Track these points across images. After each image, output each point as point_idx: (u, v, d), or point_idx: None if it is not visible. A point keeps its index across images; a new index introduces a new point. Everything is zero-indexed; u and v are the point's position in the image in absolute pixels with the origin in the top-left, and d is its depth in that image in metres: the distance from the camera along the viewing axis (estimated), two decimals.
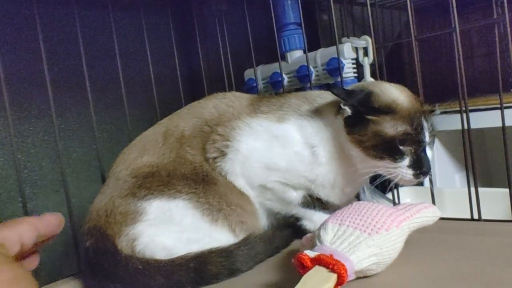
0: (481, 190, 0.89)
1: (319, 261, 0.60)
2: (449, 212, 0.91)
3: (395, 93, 0.80)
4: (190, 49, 1.33)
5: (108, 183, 0.84)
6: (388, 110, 0.77)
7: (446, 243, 0.78)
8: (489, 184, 1.64)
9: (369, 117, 0.77)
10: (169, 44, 1.18)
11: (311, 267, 0.60)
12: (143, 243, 0.75)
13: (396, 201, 1.03)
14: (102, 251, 0.75)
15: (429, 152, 0.79)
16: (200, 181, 0.82)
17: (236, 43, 1.23)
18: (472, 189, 0.90)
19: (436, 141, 1.54)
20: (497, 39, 0.91)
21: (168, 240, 0.76)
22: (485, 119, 1.31)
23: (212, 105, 0.90)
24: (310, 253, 0.61)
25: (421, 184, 1.50)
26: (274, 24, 1.13)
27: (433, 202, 0.91)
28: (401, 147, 0.76)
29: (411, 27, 0.92)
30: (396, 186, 1.01)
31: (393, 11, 1.78)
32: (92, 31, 1.12)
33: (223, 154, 0.84)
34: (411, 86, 0.85)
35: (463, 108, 0.89)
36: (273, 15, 1.12)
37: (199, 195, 0.80)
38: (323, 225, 0.68)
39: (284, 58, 1.27)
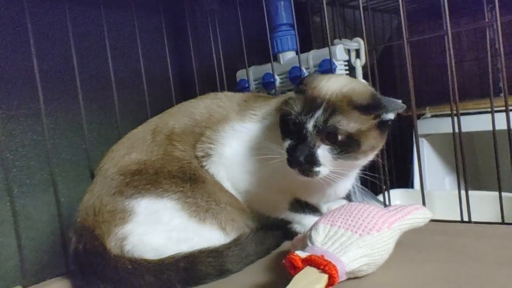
0: (470, 193, 0.90)
1: (310, 261, 0.59)
2: (438, 214, 0.91)
3: (322, 81, 0.75)
4: (182, 49, 1.32)
5: (96, 181, 0.83)
6: (300, 92, 0.75)
7: (437, 244, 0.78)
8: (478, 187, 1.65)
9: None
10: (161, 43, 1.18)
11: (302, 268, 0.59)
12: (132, 243, 0.75)
13: (387, 203, 1.03)
14: (91, 251, 0.74)
15: (322, 151, 0.70)
16: (187, 179, 0.81)
17: (228, 43, 1.23)
18: (463, 192, 0.90)
19: (426, 144, 1.57)
20: (488, 42, 0.91)
21: (157, 239, 0.76)
22: (474, 123, 1.32)
23: (204, 105, 0.90)
24: (301, 254, 0.61)
25: (411, 186, 1.51)
26: (267, 25, 1.13)
27: (424, 204, 0.91)
28: (290, 128, 0.72)
29: (403, 28, 0.92)
30: (387, 188, 1.02)
31: (384, 14, 1.79)
32: (83, 30, 1.11)
33: (208, 155, 0.83)
34: (400, 89, 0.85)
35: (455, 112, 0.89)
36: (265, 15, 1.12)
37: (186, 194, 0.79)
38: (315, 225, 0.68)
39: (276, 59, 1.27)
